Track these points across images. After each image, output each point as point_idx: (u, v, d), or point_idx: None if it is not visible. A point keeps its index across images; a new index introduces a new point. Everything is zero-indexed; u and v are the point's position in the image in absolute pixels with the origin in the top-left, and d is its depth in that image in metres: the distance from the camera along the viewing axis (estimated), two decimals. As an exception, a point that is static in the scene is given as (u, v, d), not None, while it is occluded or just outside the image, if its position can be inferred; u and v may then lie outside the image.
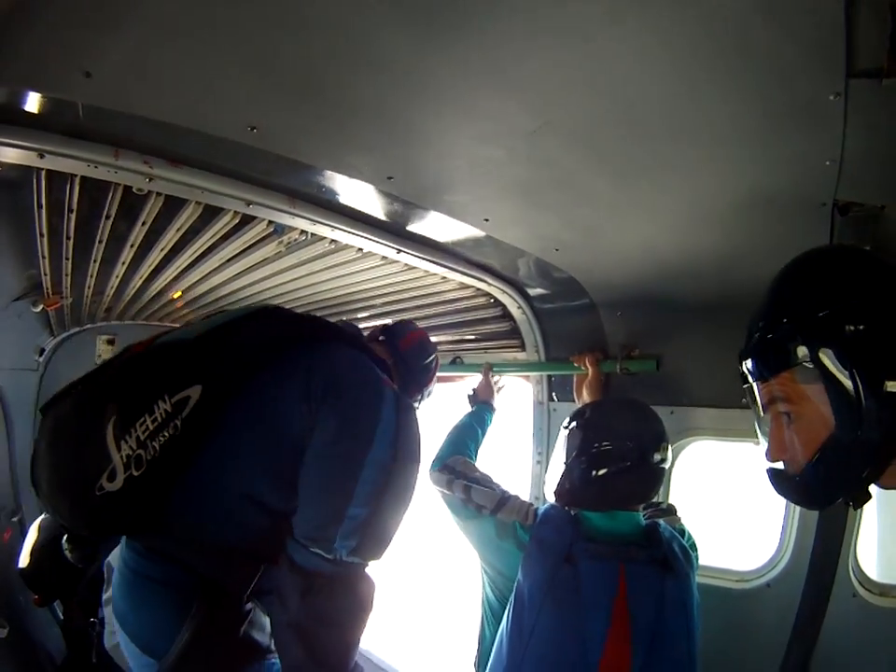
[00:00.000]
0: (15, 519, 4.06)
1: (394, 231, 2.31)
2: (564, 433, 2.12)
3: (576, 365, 2.67)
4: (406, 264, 2.54)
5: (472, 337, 3.45)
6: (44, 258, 2.65)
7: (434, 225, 2.24)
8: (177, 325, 4.80)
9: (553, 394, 2.99)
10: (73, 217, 2.18)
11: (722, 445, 2.58)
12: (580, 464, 2.01)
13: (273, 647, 1.61)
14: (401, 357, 2.17)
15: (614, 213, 1.93)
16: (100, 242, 2.44)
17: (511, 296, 2.79)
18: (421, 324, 3.23)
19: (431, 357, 2.32)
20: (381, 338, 2.21)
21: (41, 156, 1.75)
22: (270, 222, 2.20)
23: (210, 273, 2.89)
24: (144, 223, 2.23)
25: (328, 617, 1.49)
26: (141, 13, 1.24)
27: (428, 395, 2.36)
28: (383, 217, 2.21)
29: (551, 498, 2.13)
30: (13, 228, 2.40)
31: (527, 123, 1.48)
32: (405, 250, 2.39)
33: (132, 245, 2.47)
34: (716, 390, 2.34)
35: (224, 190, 1.99)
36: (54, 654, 3.63)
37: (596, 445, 1.99)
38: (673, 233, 1.98)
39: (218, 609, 1.61)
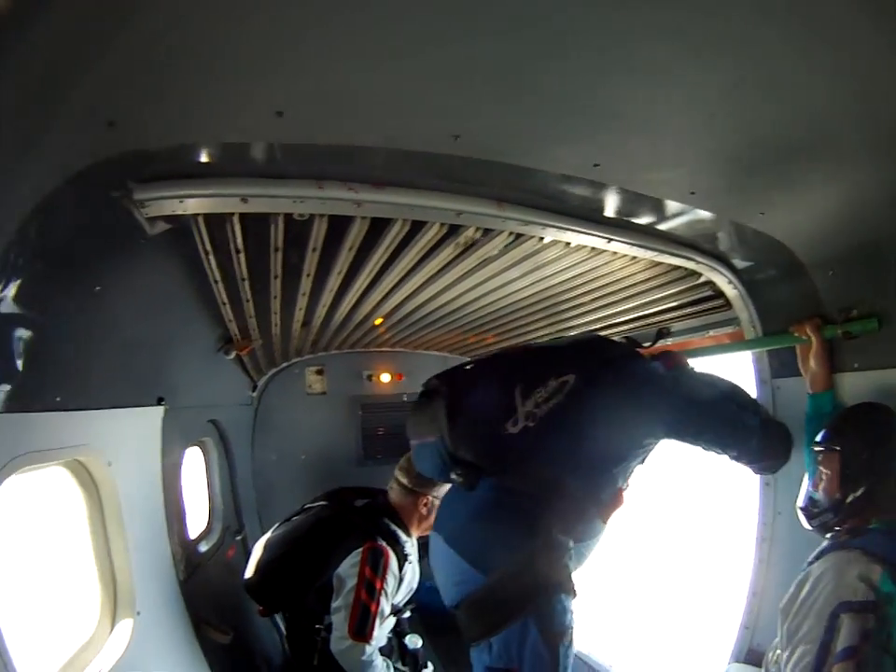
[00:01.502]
0: (238, 538, 4.43)
1: (601, 220, 2.28)
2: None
3: (796, 335, 2.49)
4: (614, 252, 2.50)
5: (679, 315, 3.37)
6: (224, 304, 2.84)
7: (641, 207, 2.20)
8: (383, 349, 5.24)
9: (777, 370, 2.82)
10: (279, 255, 2.31)
11: None
12: None
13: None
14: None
15: (819, 164, 1.80)
16: (307, 275, 2.58)
17: (720, 272, 2.67)
18: (626, 311, 3.39)
19: None
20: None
21: (244, 200, 1.83)
22: (443, 225, 2.21)
23: (414, 291, 3.00)
24: (351, 248, 2.32)
25: None
26: (330, 44, 1.27)
27: None
28: (590, 208, 2.19)
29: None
30: (193, 278, 2.55)
31: (724, 82, 1.44)
32: (615, 238, 2.35)
33: (338, 273, 2.58)
34: None
35: (432, 204, 2.02)
36: (272, 659, 3.94)
37: None
38: (887, 172, 1.79)
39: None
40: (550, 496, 2.27)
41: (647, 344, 3.02)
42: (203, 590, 3.34)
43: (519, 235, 2.32)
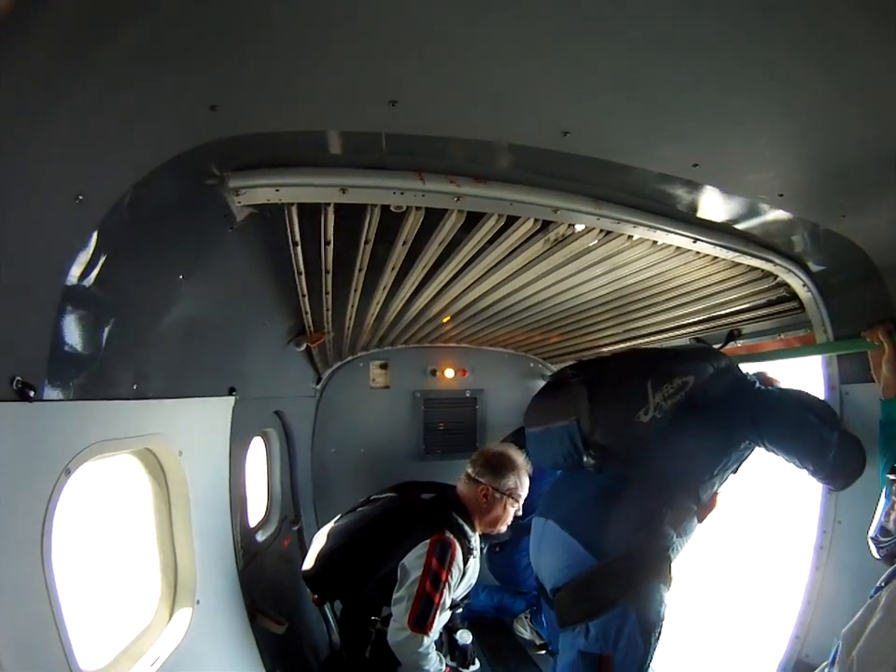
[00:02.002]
0: (295, 528, 4.42)
1: (690, 220, 2.29)
2: None
3: (868, 340, 2.46)
4: (697, 252, 2.51)
5: (751, 317, 3.31)
6: (304, 295, 2.84)
7: (729, 208, 2.21)
8: (448, 345, 5.23)
9: (846, 376, 2.78)
10: (368, 247, 2.30)
11: None
12: None
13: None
14: None
15: None
16: (392, 268, 2.57)
17: (795, 274, 2.66)
18: (698, 312, 3.35)
19: None
20: None
21: (343, 191, 1.83)
22: (536, 220, 2.20)
23: (493, 287, 2.99)
24: (442, 242, 2.31)
25: None
26: (449, 35, 1.27)
27: None
28: (682, 207, 2.19)
29: None
30: (271, 268, 2.58)
31: (824, 90, 1.44)
32: (701, 238, 2.37)
33: (423, 266, 2.57)
34: None
35: (530, 199, 2.02)
36: (319, 649, 3.94)
37: None
38: None
39: (662, 528, 2.46)
40: (663, 488, 2.47)
41: (717, 346, 3.09)
42: (259, 579, 3.37)
43: (609, 233, 2.31)
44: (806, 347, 2.96)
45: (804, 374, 3.02)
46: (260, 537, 3.77)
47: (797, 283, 2.72)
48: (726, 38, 1.26)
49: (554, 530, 2.57)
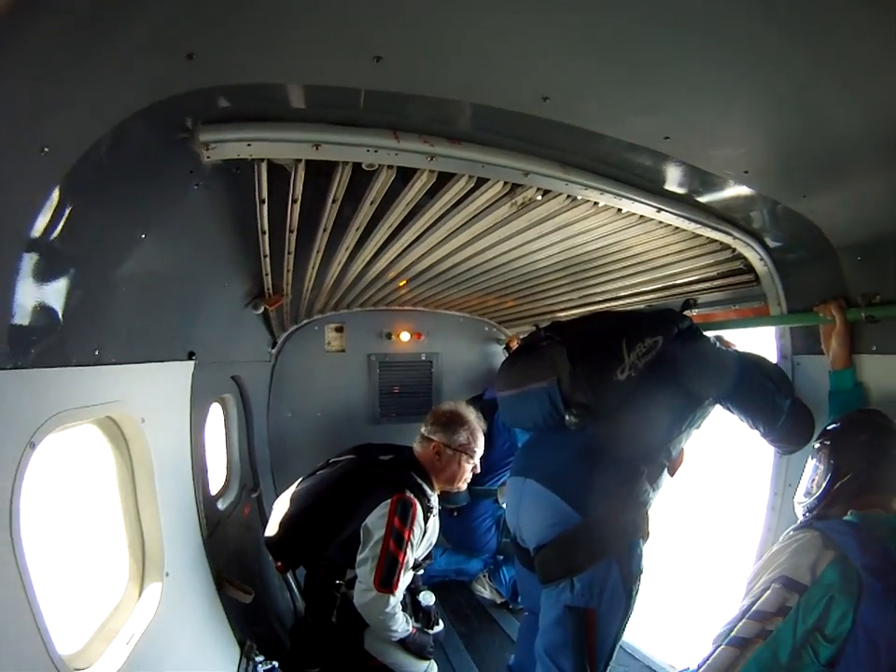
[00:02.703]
0: (254, 496, 4.36)
1: (656, 190, 2.31)
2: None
3: (821, 315, 2.54)
4: (660, 222, 2.53)
5: (707, 287, 3.38)
6: (266, 256, 2.76)
7: (695, 181, 2.22)
8: (403, 308, 5.20)
9: (798, 347, 2.86)
10: (335, 206, 2.24)
11: None
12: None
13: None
14: None
15: (868, 161, 1.81)
16: (356, 228, 2.52)
17: (753, 248, 2.70)
18: (656, 280, 3.43)
19: None
20: None
21: (316, 147, 1.78)
22: (505, 183, 2.17)
23: (456, 249, 2.96)
24: (409, 202, 2.27)
25: None
26: None
27: None
28: (650, 178, 2.20)
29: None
30: (234, 228, 2.50)
31: (800, 71, 1.44)
32: (665, 208, 2.38)
33: (388, 226, 2.53)
34: None
35: (502, 162, 2.00)
36: (284, 616, 3.92)
37: None
38: None
39: (641, 484, 2.51)
40: (640, 445, 2.51)
41: None
42: (224, 548, 3.32)
43: (575, 199, 2.31)
44: (762, 318, 3.01)
45: (757, 344, 3.09)
46: (222, 505, 3.70)
47: (754, 257, 2.76)
48: (709, 13, 1.25)
49: (536, 488, 2.56)
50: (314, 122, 1.75)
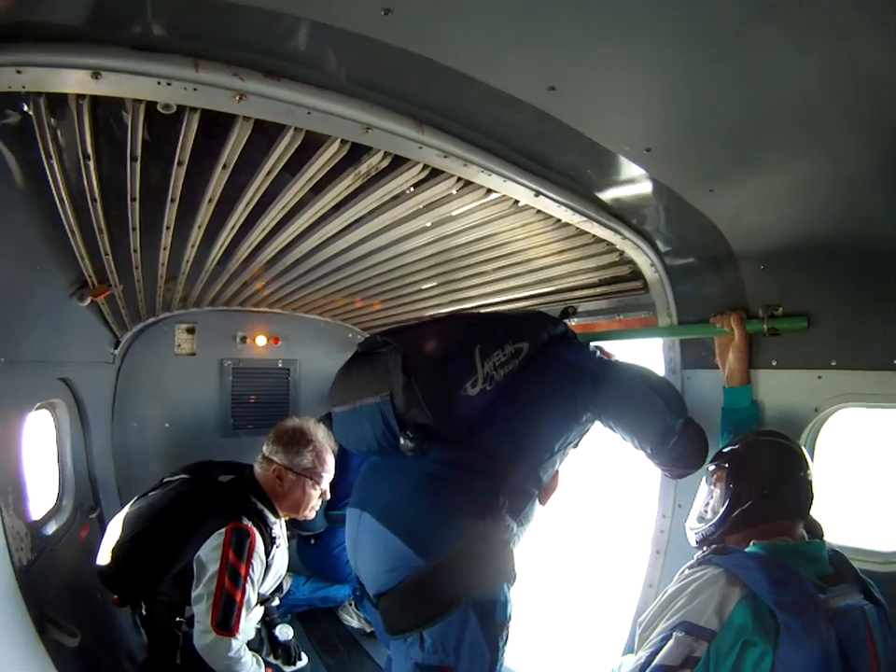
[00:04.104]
0: (93, 516, 3.83)
1: (533, 169, 2.00)
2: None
3: (718, 326, 2.39)
4: (538, 211, 2.25)
5: (589, 294, 3.16)
6: (73, 233, 2.26)
7: (584, 158, 1.94)
8: (259, 309, 4.75)
9: (688, 361, 2.72)
10: (136, 167, 1.80)
11: (870, 413, 2.24)
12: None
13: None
14: None
15: (773, 151, 1.67)
16: (171, 200, 2.09)
17: (644, 252, 2.50)
18: (533, 285, 3.25)
19: None
20: None
21: (96, 76, 1.38)
22: (343, 142, 1.79)
23: (301, 234, 2.57)
24: (226, 165, 1.86)
25: None
26: None
27: None
28: (525, 150, 1.90)
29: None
30: (39, 198, 2.00)
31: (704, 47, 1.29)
32: (544, 192, 2.07)
33: (209, 200, 2.11)
34: (871, 351, 2.01)
35: (335, 110, 1.61)
36: (136, 657, 3.35)
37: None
38: (842, 167, 1.67)
39: (501, 519, 2.07)
40: (499, 472, 2.11)
41: None
42: (50, 580, 2.79)
43: (435, 172, 1.97)
44: (655, 329, 2.83)
45: (643, 358, 2.86)
46: (49, 529, 3.12)
47: (645, 262, 2.57)
48: None
49: (372, 524, 2.13)
50: (94, 43, 1.36)
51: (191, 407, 4.92)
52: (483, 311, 3.69)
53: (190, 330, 4.88)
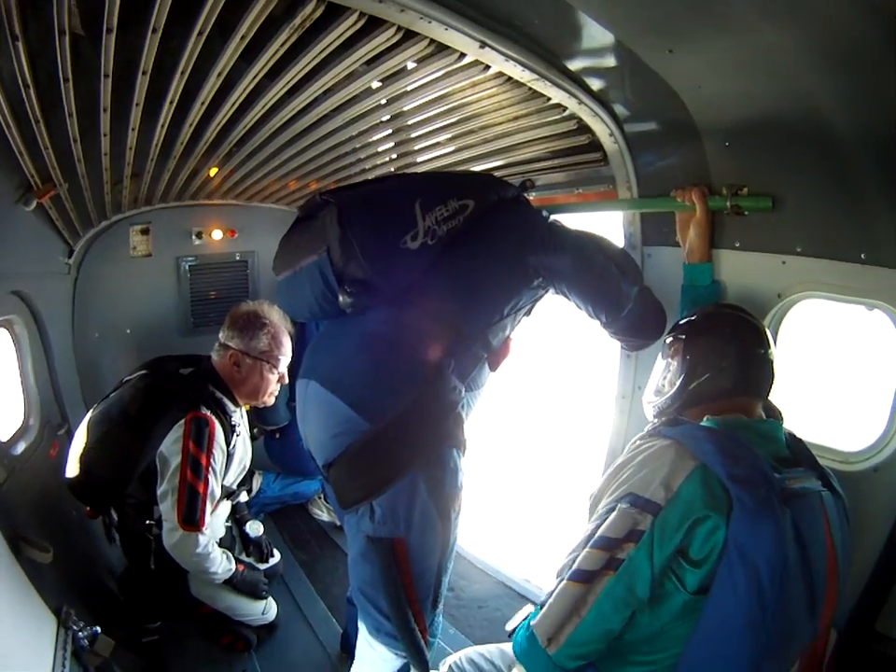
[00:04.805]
0: (61, 432, 3.73)
1: (476, 19, 1.80)
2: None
3: (679, 201, 2.27)
4: (486, 67, 2.06)
5: (547, 167, 3.00)
6: (8, 126, 1.99)
7: (528, 4, 1.79)
8: (213, 201, 4.54)
9: (648, 237, 2.61)
10: (65, 42, 1.56)
11: (833, 306, 2.15)
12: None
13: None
14: None
15: (738, 4, 1.47)
16: (105, 76, 1.83)
17: (602, 120, 2.33)
18: (487, 156, 3.05)
19: None
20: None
21: None
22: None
23: (241, 105, 2.32)
24: (109, 30, 1.58)
25: None
26: None
27: None
28: None
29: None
30: None
31: None
32: (491, 44, 1.88)
33: (143, 72, 1.84)
34: (838, 241, 1.91)
35: None
36: (115, 569, 3.33)
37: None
38: (814, 39, 1.50)
39: (446, 380, 1.99)
40: (444, 331, 2.04)
41: None
42: (21, 500, 2.74)
43: (373, 21, 1.76)
44: (613, 202, 2.71)
45: (602, 233, 2.68)
46: (17, 449, 3.07)
47: (603, 131, 2.41)
48: None
49: (318, 392, 2.05)
50: None
51: (152, 309, 4.75)
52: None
53: (145, 231, 4.61)
